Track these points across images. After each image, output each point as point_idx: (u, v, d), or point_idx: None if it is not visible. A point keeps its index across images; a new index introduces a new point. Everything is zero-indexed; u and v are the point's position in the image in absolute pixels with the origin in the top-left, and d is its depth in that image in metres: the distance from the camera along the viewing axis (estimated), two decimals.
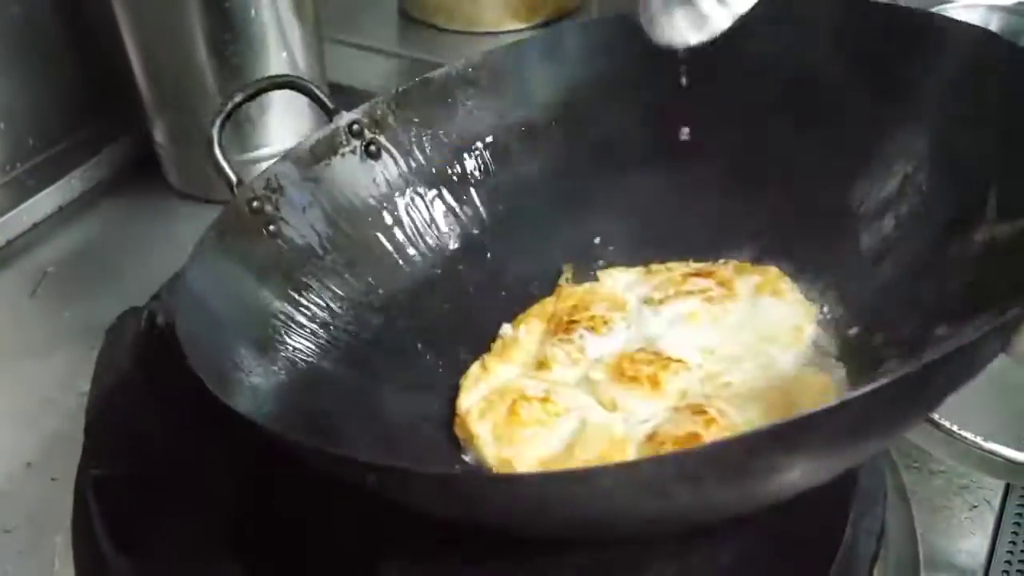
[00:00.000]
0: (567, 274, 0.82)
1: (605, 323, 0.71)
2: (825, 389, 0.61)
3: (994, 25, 1.17)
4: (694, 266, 0.75)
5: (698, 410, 0.62)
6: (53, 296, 1.04)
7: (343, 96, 1.13)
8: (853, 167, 0.75)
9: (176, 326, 0.60)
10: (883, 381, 0.44)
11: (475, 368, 0.74)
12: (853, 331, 0.69)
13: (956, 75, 0.69)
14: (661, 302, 0.72)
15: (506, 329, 0.77)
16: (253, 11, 1.01)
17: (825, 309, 0.72)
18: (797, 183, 0.77)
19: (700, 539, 0.57)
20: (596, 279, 0.80)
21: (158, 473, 0.68)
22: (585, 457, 0.61)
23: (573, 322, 0.72)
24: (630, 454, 0.61)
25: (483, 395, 0.70)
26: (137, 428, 0.60)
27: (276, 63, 1.06)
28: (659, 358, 0.67)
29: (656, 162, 0.82)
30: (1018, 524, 0.79)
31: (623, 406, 0.65)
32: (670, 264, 0.76)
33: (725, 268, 0.73)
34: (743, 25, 0.70)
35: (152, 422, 0.71)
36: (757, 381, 0.63)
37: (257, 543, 0.66)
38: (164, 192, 1.14)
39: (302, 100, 0.83)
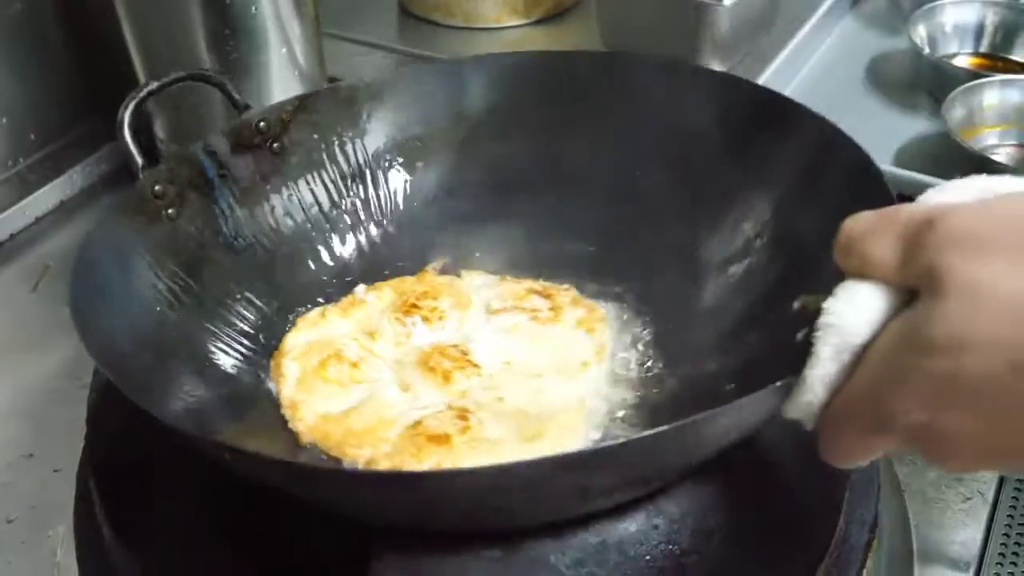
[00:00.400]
0: (436, 263, 0.88)
1: (440, 318, 0.80)
2: (570, 428, 0.69)
3: (989, 20, 1.18)
4: (540, 284, 0.83)
5: (462, 415, 0.70)
6: (54, 290, 1.05)
7: None
8: (707, 221, 0.82)
9: (70, 292, 0.65)
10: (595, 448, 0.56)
11: (314, 313, 0.82)
12: (654, 371, 0.77)
13: (802, 158, 0.77)
14: (496, 311, 0.80)
15: (359, 289, 0.84)
16: (253, 7, 1.02)
17: (639, 346, 0.79)
18: (657, 227, 0.84)
19: (694, 531, 0.57)
20: (459, 276, 0.87)
21: (161, 463, 0.68)
22: (355, 425, 0.71)
23: (415, 307, 0.80)
24: (391, 434, 0.70)
25: (309, 340, 0.79)
26: (140, 417, 0.60)
27: (276, 58, 1.06)
28: (461, 358, 0.75)
29: (538, 191, 0.90)
30: (1011, 516, 0.80)
31: (414, 390, 0.74)
32: (522, 279, 0.84)
33: (565, 295, 0.81)
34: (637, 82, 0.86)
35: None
36: (526, 404, 0.71)
37: (260, 535, 0.66)
38: None
39: None
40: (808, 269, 0.70)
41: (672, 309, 0.80)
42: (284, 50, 1.07)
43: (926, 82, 1.18)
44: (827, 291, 0.61)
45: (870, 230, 0.50)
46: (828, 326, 0.50)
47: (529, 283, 0.84)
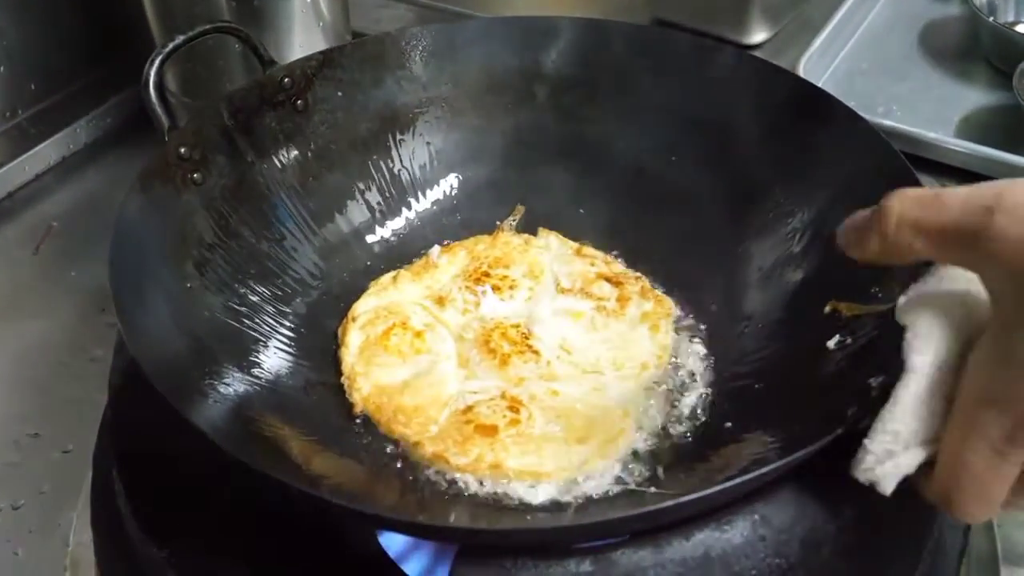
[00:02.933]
0: (515, 215, 0.87)
1: (511, 288, 0.79)
2: (617, 434, 0.67)
3: None
4: (612, 270, 0.81)
5: (515, 406, 0.69)
6: (58, 253, 0.98)
7: None
8: (740, 212, 0.80)
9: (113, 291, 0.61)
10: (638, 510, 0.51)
11: (387, 278, 0.81)
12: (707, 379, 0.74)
13: (836, 156, 0.75)
14: (564, 291, 0.79)
15: (434, 250, 0.83)
16: None
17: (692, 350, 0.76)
18: (692, 217, 0.83)
19: (803, 542, 0.52)
20: (535, 235, 0.85)
21: (190, 452, 0.61)
22: (407, 402, 0.70)
23: (487, 275, 0.80)
24: (441, 416, 0.69)
25: (378, 305, 0.78)
26: (170, 409, 0.55)
27: (300, 6, 0.99)
28: (522, 341, 0.74)
29: (557, 164, 0.88)
30: None
31: (471, 368, 0.73)
32: (597, 255, 0.82)
33: (634, 284, 0.79)
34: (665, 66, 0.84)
35: None
36: (577, 402, 0.70)
37: (293, 535, 0.61)
38: None
39: None
40: (844, 272, 0.66)
41: (717, 310, 0.78)
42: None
43: (986, 50, 1.12)
44: (859, 298, 0.64)
45: (922, 209, 0.45)
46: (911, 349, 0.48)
47: (602, 264, 0.81)
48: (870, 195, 0.69)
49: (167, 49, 0.75)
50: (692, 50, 0.84)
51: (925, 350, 0.47)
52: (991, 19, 1.11)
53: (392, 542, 0.60)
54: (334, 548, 0.60)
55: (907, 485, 0.51)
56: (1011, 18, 1.15)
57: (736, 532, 0.51)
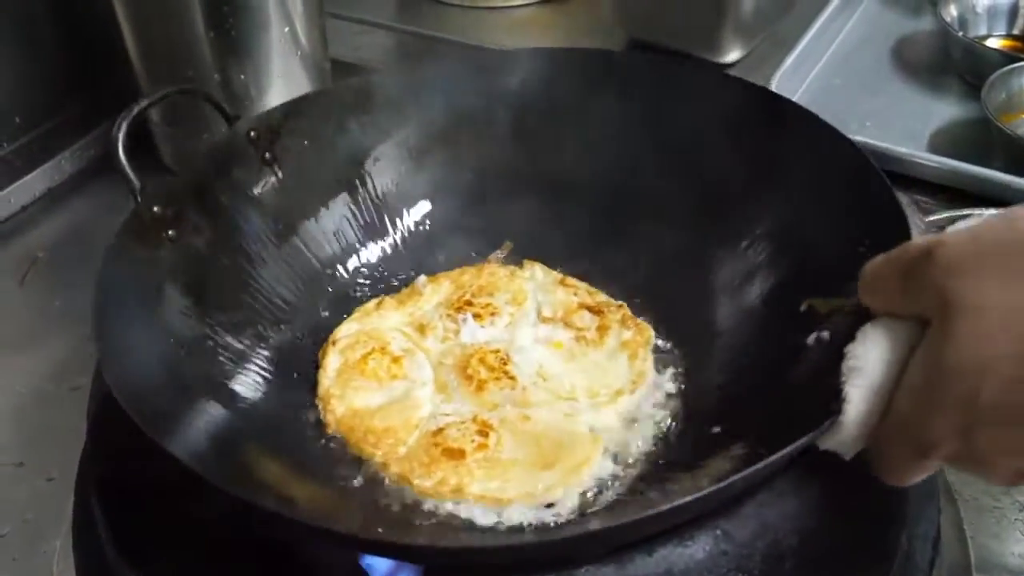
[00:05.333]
0: (504, 250, 0.88)
1: (492, 314, 0.80)
2: (583, 461, 0.67)
3: (1023, 2, 1.14)
4: (595, 299, 0.82)
5: (484, 430, 0.70)
6: (43, 283, 0.99)
7: (345, 73, 1.10)
8: (713, 226, 0.82)
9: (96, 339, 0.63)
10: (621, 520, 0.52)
11: (371, 304, 0.82)
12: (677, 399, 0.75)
13: (806, 162, 0.76)
14: (546, 320, 0.80)
15: (421, 280, 0.84)
16: None
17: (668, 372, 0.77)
18: (660, 231, 0.84)
19: (765, 556, 0.52)
20: (520, 266, 0.86)
21: (167, 476, 0.62)
22: (377, 424, 0.71)
23: (469, 303, 0.81)
24: (411, 438, 0.70)
25: (359, 330, 0.79)
26: (147, 437, 0.55)
27: (277, 37, 1.00)
28: (499, 367, 0.75)
29: (524, 195, 0.89)
30: None
31: (448, 393, 0.74)
32: (579, 286, 0.83)
33: (615, 313, 0.80)
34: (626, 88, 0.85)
35: None
36: (548, 427, 0.71)
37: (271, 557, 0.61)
38: (159, 172, 1.07)
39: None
40: (816, 272, 0.71)
41: (690, 323, 0.79)
42: (286, 29, 1.01)
43: (957, 65, 1.13)
44: (834, 293, 0.66)
45: (882, 270, 0.54)
46: (853, 370, 0.53)
47: (584, 295, 0.82)
48: (835, 193, 0.73)
49: (132, 113, 0.75)
50: (651, 69, 0.87)
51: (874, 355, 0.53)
52: (961, 34, 1.12)
53: (375, 566, 0.60)
54: (313, 572, 0.61)
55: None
56: (982, 32, 1.16)
57: (698, 547, 0.52)
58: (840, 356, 0.56)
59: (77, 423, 0.76)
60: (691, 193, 0.83)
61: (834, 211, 0.72)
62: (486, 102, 0.88)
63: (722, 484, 0.50)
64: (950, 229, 0.54)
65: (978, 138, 1.03)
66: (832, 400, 0.53)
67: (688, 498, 0.50)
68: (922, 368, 0.50)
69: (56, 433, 0.82)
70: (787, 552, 0.53)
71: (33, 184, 1.08)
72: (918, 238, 0.55)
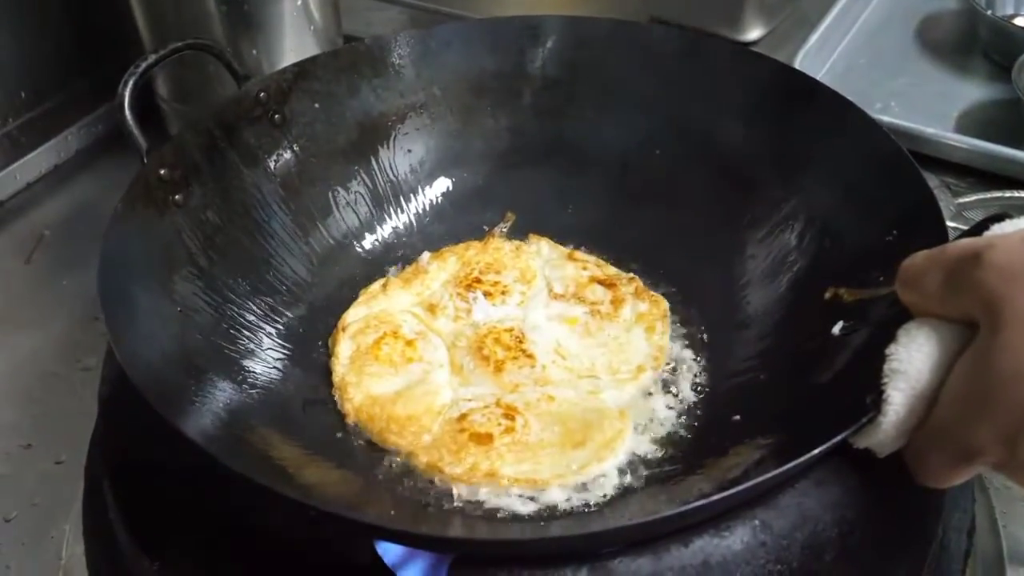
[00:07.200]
0: (506, 222, 0.86)
1: (503, 293, 0.78)
2: (615, 436, 0.66)
3: None
4: (605, 272, 0.80)
5: (510, 413, 0.68)
6: (50, 262, 0.97)
7: None
8: (737, 207, 0.79)
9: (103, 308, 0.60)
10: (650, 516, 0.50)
11: (376, 286, 0.80)
12: (704, 376, 0.73)
13: (831, 144, 0.74)
14: (557, 297, 0.78)
15: (424, 257, 0.81)
16: None
17: (691, 350, 0.75)
18: (681, 212, 0.81)
19: (804, 547, 0.51)
20: (525, 240, 0.84)
21: (180, 460, 0.61)
22: (399, 412, 0.69)
23: (478, 281, 0.78)
24: (435, 425, 0.68)
25: (368, 315, 0.77)
26: (156, 411, 0.54)
27: (290, 10, 0.98)
28: (516, 346, 0.73)
29: (540, 165, 0.87)
30: None
31: (465, 375, 0.72)
32: (588, 259, 0.81)
33: (628, 286, 0.78)
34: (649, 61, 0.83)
35: None
36: (573, 406, 0.69)
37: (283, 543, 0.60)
38: None
39: None
40: (841, 259, 0.69)
41: (714, 306, 0.77)
42: (299, 2, 0.99)
43: (985, 44, 1.11)
44: (860, 282, 0.65)
45: (923, 268, 0.52)
46: (896, 372, 0.51)
47: (593, 268, 0.80)
48: (863, 177, 0.71)
49: (139, 69, 0.72)
50: (675, 43, 0.83)
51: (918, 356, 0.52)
52: (989, 12, 1.10)
53: (389, 553, 0.59)
54: (328, 561, 0.59)
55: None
56: (1009, 11, 1.14)
57: (736, 538, 0.50)
58: (870, 349, 0.54)
59: (87, 405, 0.75)
60: (711, 173, 0.81)
61: (861, 195, 0.70)
62: (504, 68, 0.86)
63: (762, 478, 0.49)
64: (996, 230, 0.53)
65: (1008, 119, 1.01)
66: (870, 397, 0.52)
67: (729, 492, 0.48)
68: (969, 374, 0.49)
69: (65, 415, 0.81)
70: (827, 544, 0.51)
71: (39, 161, 1.06)
72: (964, 240, 0.52)
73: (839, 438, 0.51)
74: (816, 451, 0.50)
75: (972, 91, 1.07)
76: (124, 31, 1.00)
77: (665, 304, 0.77)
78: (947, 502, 0.63)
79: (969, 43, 1.13)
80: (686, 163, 0.82)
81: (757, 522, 0.50)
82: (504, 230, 0.85)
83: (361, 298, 0.79)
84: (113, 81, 1.07)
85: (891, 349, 0.52)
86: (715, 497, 0.48)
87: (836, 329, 0.65)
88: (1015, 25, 1.10)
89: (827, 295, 0.67)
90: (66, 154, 1.08)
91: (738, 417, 0.66)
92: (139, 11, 0.98)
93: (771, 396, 0.67)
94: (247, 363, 0.70)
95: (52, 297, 0.93)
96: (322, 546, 0.59)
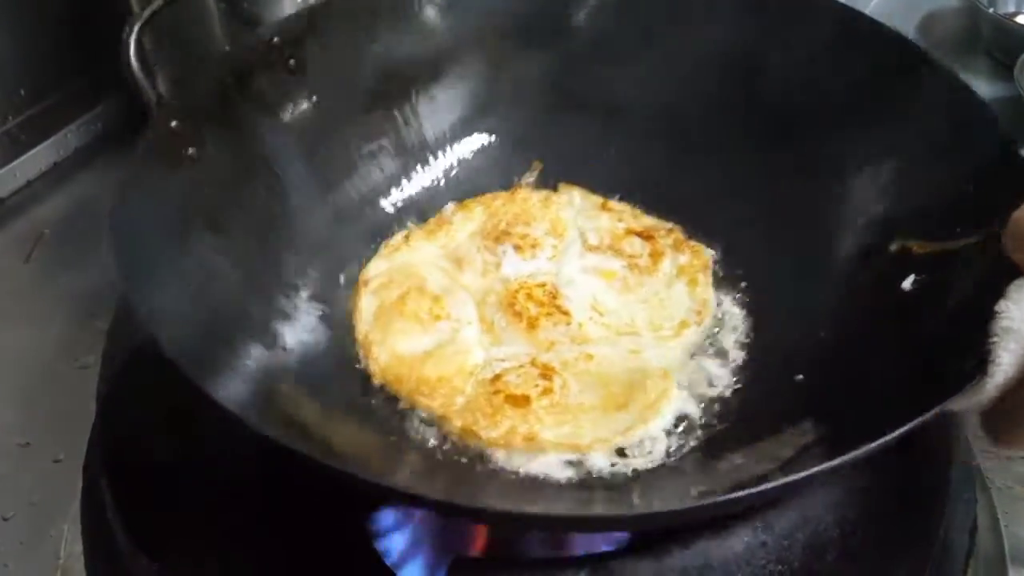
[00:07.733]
0: (533, 171, 0.82)
1: (533, 246, 0.74)
2: (659, 397, 0.63)
3: None
4: (643, 222, 0.75)
5: (547, 374, 0.65)
6: (49, 260, 0.97)
7: None
8: (806, 172, 0.74)
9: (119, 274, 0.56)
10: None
11: (398, 237, 0.77)
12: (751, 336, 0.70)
13: (927, 117, 0.69)
14: (592, 249, 0.74)
15: (448, 207, 0.78)
16: None
17: (736, 307, 0.72)
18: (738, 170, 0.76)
19: (806, 547, 0.50)
20: (555, 189, 0.80)
21: (178, 460, 0.61)
22: (430, 373, 0.65)
23: (506, 233, 0.74)
24: (467, 387, 0.64)
25: (391, 267, 0.73)
26: (155, 409, 0.53)
27: (291, 6, 0.97)
28: (550, 302, 0.70)
29: (571, 116, 0.82)
30: None
31: (496, 333, 0.68)
32: (624, 209, 0.77)
33: (667, 237, 0.74)
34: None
35: (172, 402, 0.64)
36: (613, 366, 0.66)
37: (283, 540, 0.60)
38: None
39: None
40: (910, 210, 0.65)
41: (763, 262, 0.72)
42: None
43: (987, 42, 1.11)
44: (929, 235, 0.61)
45: None
46: (1007, 331, 0.48)
47: (629, 219, 0.76)
48: (937, 130, 0.66)
49: (144, 18, 0.69)
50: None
51: None
52: (991, 10, 1.10)
53: (389, 553, 0.58)
54: (329, 560, 0.59)
55: None
56: (1011, 9, 1.13)
57: (737, 539, 0.50)
58: (958, 305, 0.51)
59: (85, 403, 0.75)
60: (757, 122, 0.76)
61: (934, 145, 0.66)
62: (538, 10, 0.81)
63: (848, 456, 0.45)
64: None
65: (1010, 117, 1.00)
66: (974, 359, 0.48)
67: (798, 475, 0.44)
68: None
69: (63, 413, 0.80)
70: (828, 544, 0.51)
71: (39, 158, 1.06)
72: None
73: (939, 406, 0.47)
74: (915, 421, 0.46)
75: (975, 89, 1.06)
76: (122, 30, 1.00)
77: (707, 254, 0.73)
78: (950, 504, 0.63)
79: (971, 41, 1.13)
80: (732, 114, 0.77)
81: (758, 523, 0.50)
82: (531, 180, 0.81)
83: (383, 251, 0.75)
84: (112, 78, 1.06)
85: (1001, 306, 0.49)
86: (781, 481, 0.44)
87: (907, 283, 0.62)
88: (1017, 23, 1.10)
89: (893, 247, 0.64)
90: (65, 152, 1.08)
91: (801, 377, 0.63)
92: (137, 10, 0.97)
93: (833, 356, 0.63)
94: (272, 324, 0.67)
95: (50, 295, 0.93)
96: (322, 545, 0.59)
